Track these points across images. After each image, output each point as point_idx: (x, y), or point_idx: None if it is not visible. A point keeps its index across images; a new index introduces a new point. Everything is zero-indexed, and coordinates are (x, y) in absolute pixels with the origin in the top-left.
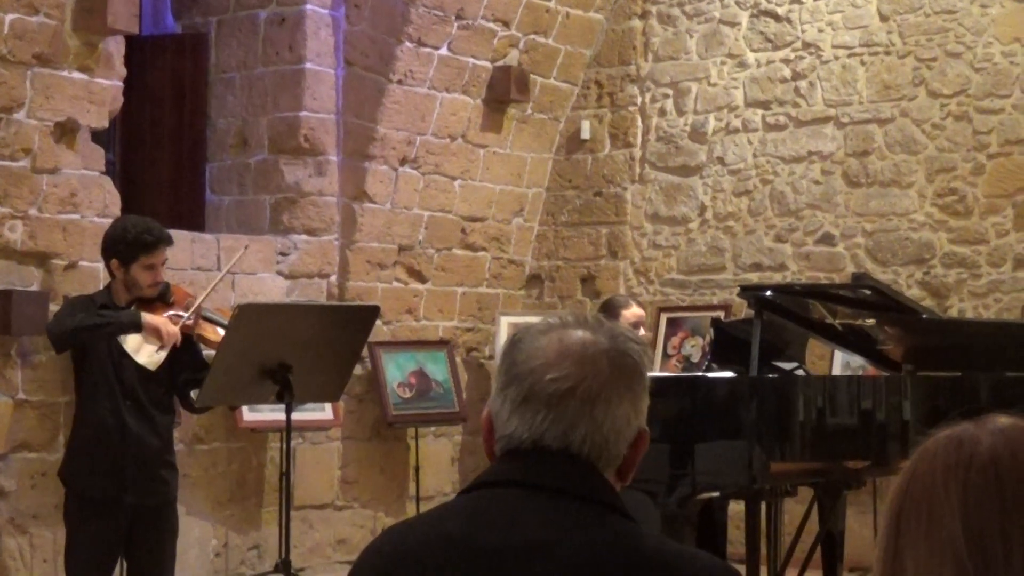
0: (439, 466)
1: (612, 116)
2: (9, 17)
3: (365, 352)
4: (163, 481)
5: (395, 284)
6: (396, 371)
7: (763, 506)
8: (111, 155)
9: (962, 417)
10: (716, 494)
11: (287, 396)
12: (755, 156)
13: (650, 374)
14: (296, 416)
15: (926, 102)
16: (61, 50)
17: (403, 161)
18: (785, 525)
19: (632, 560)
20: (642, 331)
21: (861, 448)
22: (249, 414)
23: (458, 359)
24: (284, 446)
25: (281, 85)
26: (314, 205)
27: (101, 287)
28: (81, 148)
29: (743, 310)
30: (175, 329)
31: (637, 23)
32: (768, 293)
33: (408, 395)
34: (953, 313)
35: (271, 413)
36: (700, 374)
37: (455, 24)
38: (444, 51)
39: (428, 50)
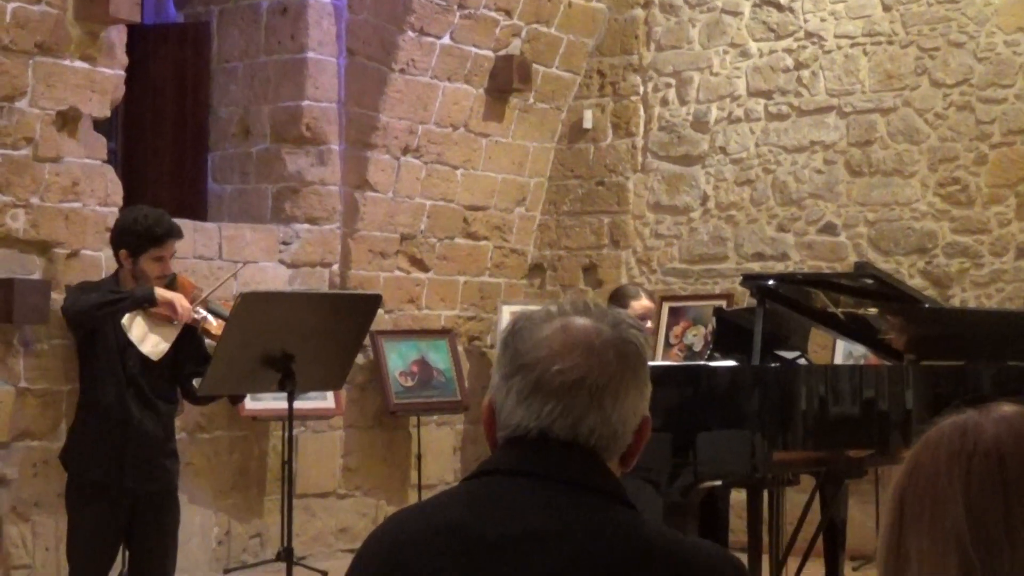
0: (441, 455)
1: (614, 105)
2: (11, 6)
3: (367, 341)
4: (164, 468)
5: (397, 273)
6: (398, 360)
7: (765, 495)
8: (113, 144)
9: (965, 405)
10: (718, 483)
11: (289, 385)
12: (757, 145)
13: (652, 363)
14: (298, 405)
15: (929, 92)
16: (63, 39)
17: (405, 150)
18: (787, 514)
19: (635, 549)
20: (649, 324)
21: (863, 437)
22: (251, 403)
23: (460, 348)
24: (286, 435)
25: (283, 74)
26: (316, 194)
27: (103, 276)
28: (83, 137)
29: (745, 299)
30: (189, 305)
31: (639, 12)
32: (770, 282)
33: (410, 384)
34: (955, 303)
35: (273, 402)
36: (702, 363)
37: (457, 13)
38: (446, 40)
39: (430, 39)
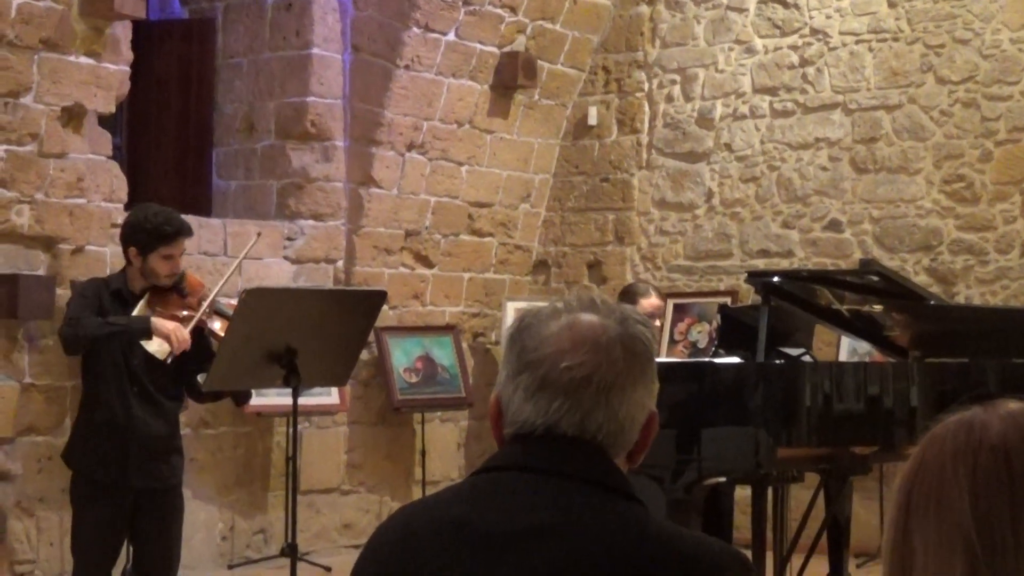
0: (445, 451)
1: (619, 102)
2: (16, 1)
3: (371, 337)
4: (169, 466)
5: (402, 269)
6: (402, 356)
7: (769, 492)
8: (118, 140)
9: (971, 402)
10: (722, 480)
11: (294, 380)
12: (762, 142)
13: (657, 360)
14: (302, 401)
15: (934, 89)
16: (68, 35)
17: (410, 147)
18: (791, 511)
19: (642, 545)
20: (658, 322)
21: (868, 434)
22: (255, 399)
23: (464, 344)
24: (290, 431)
25: (288, 70)
26: (321, 190)
27: (108, 272)
28: (88, 133)
29: (750, 296)
30: (185, 335)
31: (644, 9)
32: (775, 279)
33: (414, 380)
34: (960, 300)
35: (277, 398)
36: (707, 360)
37: (462, 10)
38: (451, 36)
39: (435, 35)
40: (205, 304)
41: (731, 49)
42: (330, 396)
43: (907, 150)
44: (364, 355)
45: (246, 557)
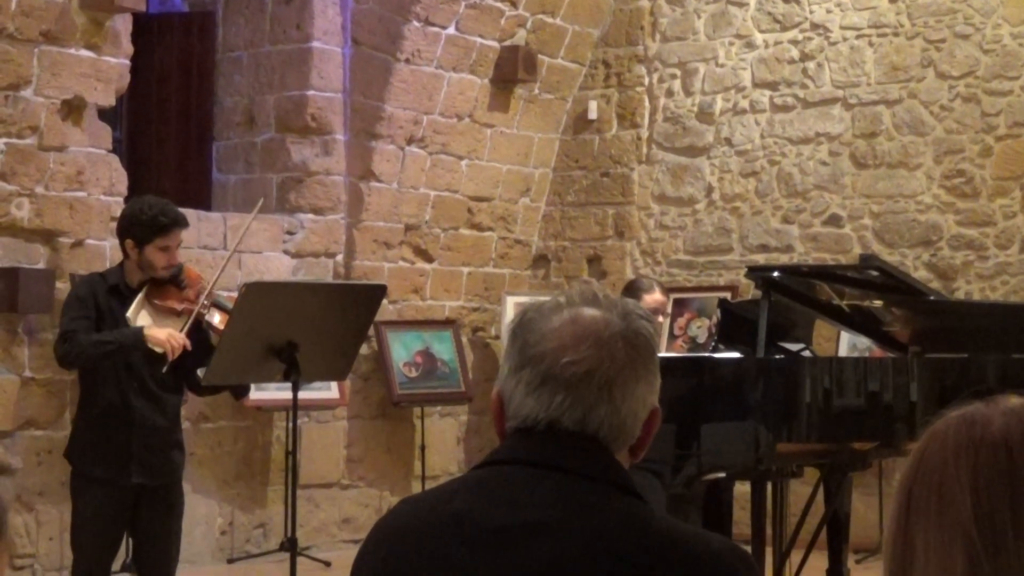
0: (445, 445)
1: (619, 96)
2: None
3: (371, 331)
4: (170, 460)
5: (401, 263)
6: (402, 350)
7: (769, 487)
8: (118, 133)
9: (972, 398)
10: (722, 475)
11: (293, 375)
12: (762, 137)
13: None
14: (302, 395)
15: (934, 83)
16: (68, 28)
17: (410, 140)
18: (791, 506)
19: (642, 540)
20: (661, 318)
21: (868, 429)
22: (255, 393)
23: (464, 339)
24: (290, 425)
25: (288, 64)
26: (321, 184)
27: (108, 265)
28: (88, 126)
29: (750, 291)
30: (179, 342)
31: (645, 3)
32: (775, 274)
33: (414, 374)
34: (960, 295)
35: (277, 392)
36: (707, 354)
37: (463, 3)
38: (451, 30)
39: (435, 29)
40: (203, 296)
41: (731, 43)
42: (330, 390)
43: (907, 145)
44: (364, 349)
45: (246, 551)
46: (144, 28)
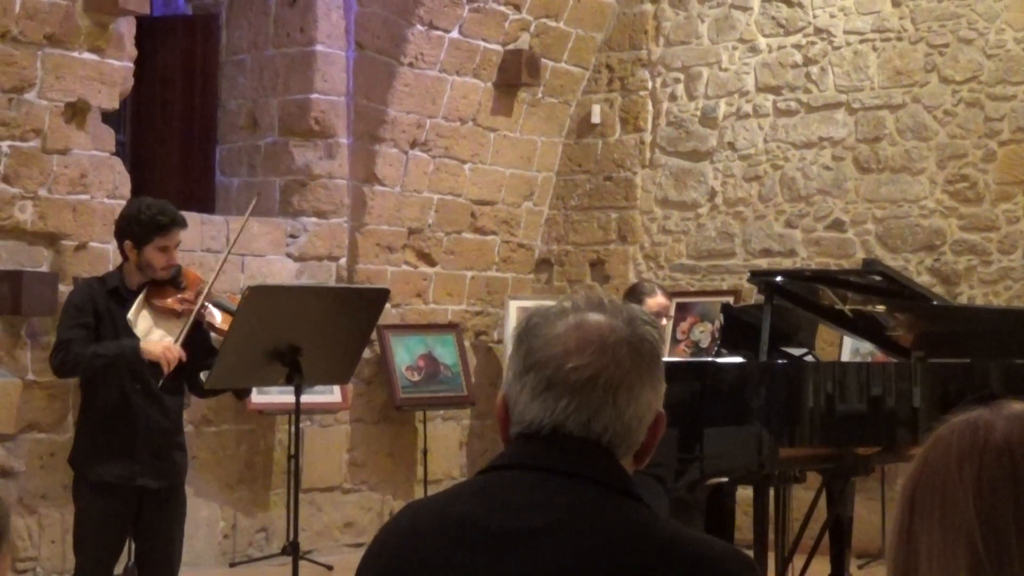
0: (447, 450)
1: (623, 100)
2: None
3: (374, 335)
4: (173, 463)
5: (404, 267)
6: (405, 354)
7: (771, 492)
8: (121, 136)
9: (976, 403)
10: (725, 479)
11: (296, 378)
12: (766, 141)
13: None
14: (305, 399)
15: (938, 88)
16: (72, 30)
17: (413, 144)
18: (793, 511)
19: (647, 545)
20: (664, 321)
21: (870, 434)
22: (258, 396)
23: (467, 343)
24: (293, 428)
25: (292, 67)
26: (324, 188)
27: (111, 268)
28: (91, 129)
29: (752, 295)
30: (175, 355)
31: (648, 7)
32: (778, 279)
33: (417, 378)
34: (963, 300)
35: (280, 395)
36: (710, 359)
37: (466, 7)
38: (455, 34)
39: (439, 33)
40: (202, 297)
41: (735, 48)
42: (332, 394)
43: (910, 150)
44: (366, 353)
45: (248, 555)
46: (148, 31)
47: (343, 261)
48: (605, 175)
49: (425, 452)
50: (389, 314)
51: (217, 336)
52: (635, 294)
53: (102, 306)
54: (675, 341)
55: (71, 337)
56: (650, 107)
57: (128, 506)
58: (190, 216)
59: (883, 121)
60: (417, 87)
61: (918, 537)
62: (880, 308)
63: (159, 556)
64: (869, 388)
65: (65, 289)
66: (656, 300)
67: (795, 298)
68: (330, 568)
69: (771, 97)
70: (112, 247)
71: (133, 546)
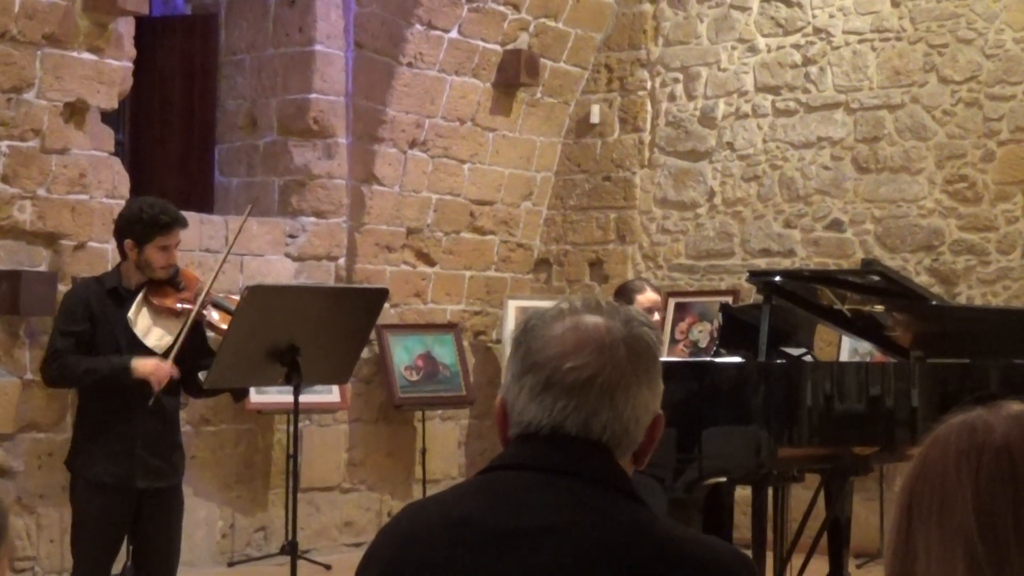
0: (446, 449)
1: (622, 100)
2: None
3: (373, 335)
4: (171, 463)
5: (403, 267)
6: (403, 354)
7: (770, 492)
8: (120, 136)
9: (974, 403)
10: (723, 479)
11: (295, 378)
12: (764, 141)
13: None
14: (303, 398)
15: (937, 88)
16: (71, 30)
17: (412, 144)
18: (791, 511)
19: (646, 545)
20: (656, 316)
21: (869, 434)
22: (256, 396)
23: (465, 343)
24: (291, 428)
25: (291, 67)
26: (323, 187)
27: (110, 268)
28: (90, 129)
29: (751, 295)
30: (165, 372)
31: (648, 7)
32: (777, 278)
33: (415, 378)
34: (962, 300)
35: (278, 395)
36: (708, 359)
37: (465, 7)
38: (454, 34)
39: (438, 33)
40: (201, 297)
41: (734, 48)
42: (331, 394)
43: (909, 150)
44: (365, 353)
45: (246, 555)
46: (147, 31)
47: (342, 261)
48: (604, 175)
49: (424, 452)
50: (388, 314)
51: (215, 335)
52: (625, 292)
53: (99, 307)
54: (674, 341)
55: (63, 348)
56: (649, 107)
57: (126, 506)
58: (189, 216)
59: (882, 121)
60: (416, 87)
61: (916, 537)
62: (879, 308)
63: (157, 556)
64: (868, 388)
65: (64, 289)
66: (646, 296)
67: (794, 298)
68: (328, 568)
69: (770, 97)
70: (111, 247)
71: (131, 547)
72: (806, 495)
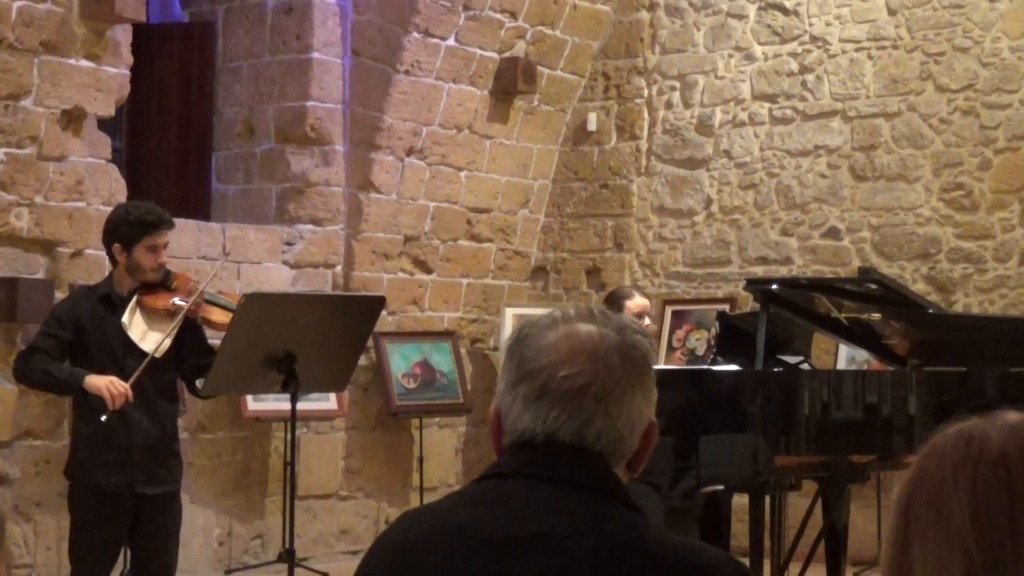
0: (443, 457)
1: (619, 108)
2: (17, 4)
3: (370, 342)
4: (169, 470)
5: (400, 275)
6: (401, 361)
7: (767, 500)
8: (117, 143)
9: (971, 412)
10: (720, 487)
11: (292, 386)
12: (761, 149)
13: (655, 367)
14: (301, 406)
15: (933, 96)
16: (68, 38)
17: (409, 152)
18: (789, 519)
19: (640, 552)
20: (647, 320)
21: (866, 442)
22: (254, 403)
23: (463, 350)
24: (289, 436)
25: (288, 74)
26: (320, 195)
27: (106, 275)
28: (88, 136)
29: (748, 303)
30: (119, 390)
31: (644, 15)
32: (774, 286)
33: (412, 385)
34: (959, 308)
35: (276, 403)
36: (705, 367)
37: (462, 15)
38: (451, 42)
39: (435, 40)
40: (194, 296)
41: (731, 56)
42: (328, 401)
43: (906, 158)
44: (362, 360)
45: (244, 562)
46: (144, 38)
47: (339, 268)
48: (601, 183)
49: (421, 459)
50: (385, 321)
51: (215, 332)
52: (614, 300)
53: (89, 316)
54: (671, 349)
55: (39, 346)
56: (646, 115)
57: (124, 513)
58: (186, 223)
59: (879, 129)
60: (413, 94)
61: (913, 546)
62: (876, 316)
63: (155, 563)
64: (865, 396)
65: (61, 296)
66: (635, 302)
67: (791, 306)
68: (326, 575)
69: (767, 105)
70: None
71: (128, 554)
72: (803, 503)
